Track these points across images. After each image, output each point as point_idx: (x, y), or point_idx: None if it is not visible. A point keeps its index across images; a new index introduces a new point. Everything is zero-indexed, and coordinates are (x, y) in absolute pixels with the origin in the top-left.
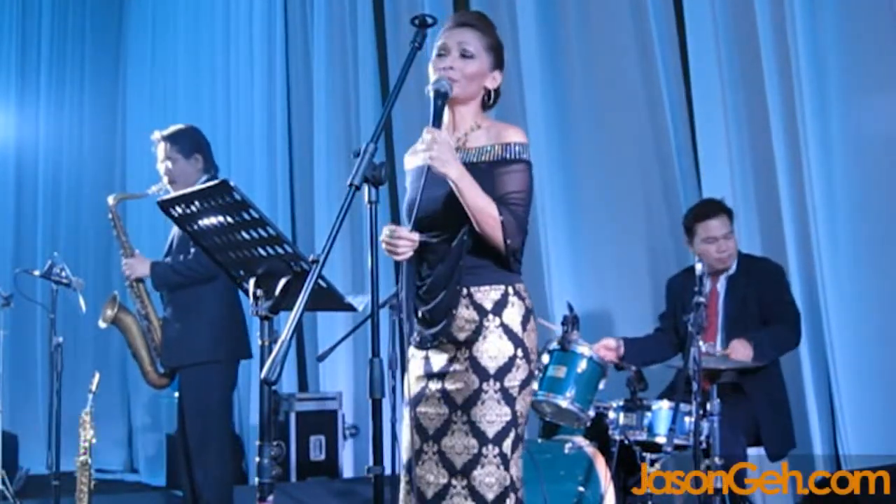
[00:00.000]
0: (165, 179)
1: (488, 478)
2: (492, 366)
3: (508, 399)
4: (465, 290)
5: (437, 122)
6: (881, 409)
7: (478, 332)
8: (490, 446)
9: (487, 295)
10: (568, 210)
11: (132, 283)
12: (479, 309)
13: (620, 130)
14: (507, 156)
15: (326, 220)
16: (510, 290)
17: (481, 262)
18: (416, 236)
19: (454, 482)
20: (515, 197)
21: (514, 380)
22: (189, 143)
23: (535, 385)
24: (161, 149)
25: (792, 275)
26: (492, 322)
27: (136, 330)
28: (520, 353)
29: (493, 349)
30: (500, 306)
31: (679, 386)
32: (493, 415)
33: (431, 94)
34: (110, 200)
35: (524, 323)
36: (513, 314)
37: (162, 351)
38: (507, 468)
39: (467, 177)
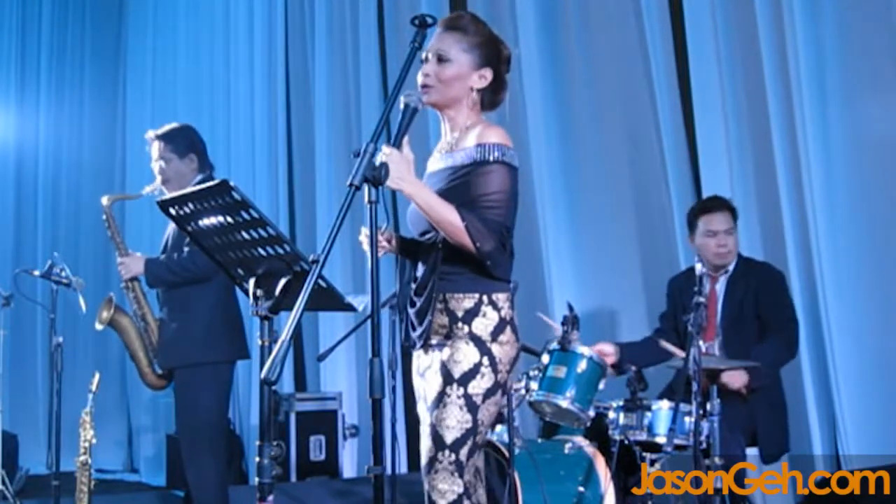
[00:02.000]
0: (159, 179)
1: (441, 484)
2: (456, 371)
3: (471, 406)
4: (441, 296)
5: (399, 137)
6: (881, 409)
7: (447, 337)
8: (446, 452)
9: (461, 303)
10: (568, 210)
11: (128, 284)
12: (451, 315)
13: (621, 131)
14: (483, 157)
15: (327, 220)
16: (485, 298)
17: (460, 268)
18: (382, 237)
19: (425, 482)
20: (488, 199)
21: (477, 388)
22: (184, 142)
23: (500, 396)
24: (155, 148)
25: (792, 276)
26: (460, 329)
27: (133, 331)
28: (486, 361)
29: (459, 355)
30: (470, 315)
31: (679, 386)
32: (453, 420)
33: (401, 107)
34: (104, 201)
35: (495, 334)
36: (483, 324)
37: (158, 352)
38: (461, 475)
39: (423, 190)
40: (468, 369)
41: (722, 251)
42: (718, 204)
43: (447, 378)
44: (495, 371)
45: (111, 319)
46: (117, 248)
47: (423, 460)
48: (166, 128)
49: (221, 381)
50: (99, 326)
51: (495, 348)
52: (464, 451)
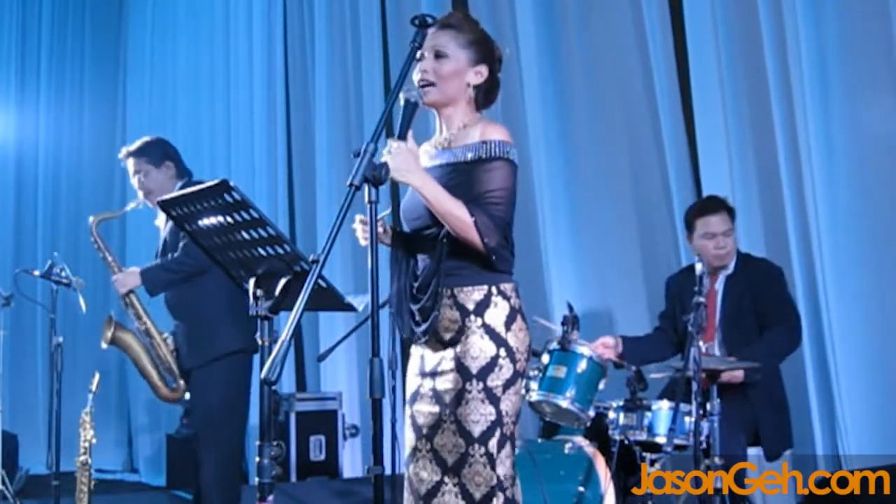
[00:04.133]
0: (141, 194)
1: (476, 477)
2: (474, 366)
3: (493, 399)
4: (448, 291)
5: (403, 131)
6: (881, 409)
7: (461, 332)
8: (476, 446)
9: (470, 296)
10: (568, 210)
11: (126, 300)
12: (462, 309)
13: (621, 131)
14: (487, 154)
15: (327, 220)
16: (494, 290)
17: (464, 262)
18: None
19: (446, 479)
20: (493, 195)
21: (497, 379)
22: (156, 152)
23: (522, 384)
24: (131, 164)
25: (794, 274)
26: (474, 322)
27: (138, 347)
28: (503, 352)
29: (475, 349)
30: (482, 307)
31: (679, 386)
32: (477, 414)
33: (401, 103)
34: (91, 220)
35: (508, 323)
36: (496, 314)
37: (179, 359)
38: (493, 467)
39: (431, 183)
40: (486, 363)
41: (721, 253)
42: (715, 205)
43: (465, 374)
44: (514, 361)
45: (113, 337)
46: (109, 266)
47: (453, 457)
48: (137, 143)
49: (240, 374)
50: (104, 345)
51: (510, 338)
52: (493, 444)
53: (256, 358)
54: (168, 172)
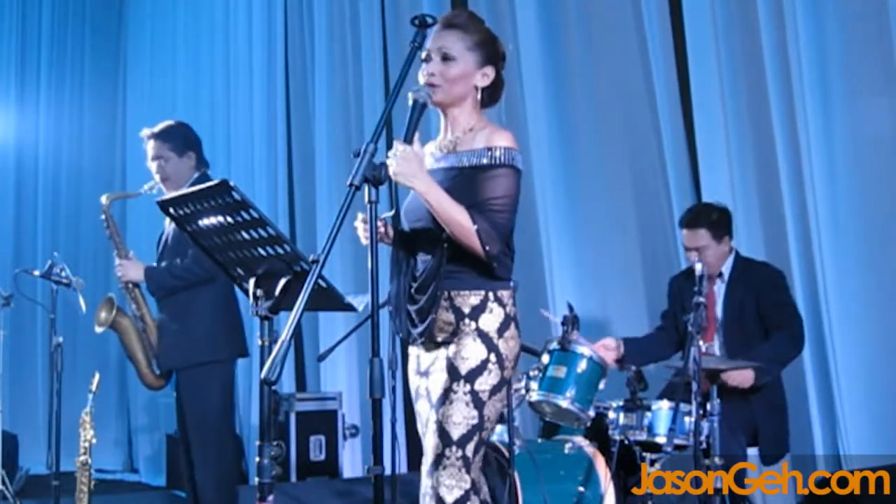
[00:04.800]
0: (158, 178)
1: (449, 480)
2: (463, 367)
3: (478, 403)
4: (446, 294)
5: (410, 133)
6: (881, 409)
7: (454, 334)
8: (453, 448)
9: (467, 300)
10: (569, 211)
11: (127, 286)
12: (458, 312)
13: (621, 133)
14: (491, 160)
15: (327, 220)
16: (490, 295)
17: (464, 267)
18: (378, 222)
19: (426, 481)
20: (496, 203)
21: (484, 384)
22: (182, 140)
23: (506, 392)
24: (151, 146)
25: (794, 274)
26: (468, 326)
27: (134, 332)
28: (493, 357)
29: (466, 351)
30: (477, 311)
31: (679, 386)
32: (459, 416)
33: (410, 103)
34: (103, 200)
35: (501, 330)
36: (490, 320)
37: (159, 353)
38: (468, 471)
39: (435, 189)
40: (475, 366)
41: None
42: (688, 219)
43: (453, 374)
44: (502, 368)
45: (112, 321)
46: (116, 248)
47: (430, 457)
48: (162, 126)
49: (226, 380)
50: (99, 329)
51: (502, 345)
52: (470, 447)
53: (256, 359)
54: (189, 163)
